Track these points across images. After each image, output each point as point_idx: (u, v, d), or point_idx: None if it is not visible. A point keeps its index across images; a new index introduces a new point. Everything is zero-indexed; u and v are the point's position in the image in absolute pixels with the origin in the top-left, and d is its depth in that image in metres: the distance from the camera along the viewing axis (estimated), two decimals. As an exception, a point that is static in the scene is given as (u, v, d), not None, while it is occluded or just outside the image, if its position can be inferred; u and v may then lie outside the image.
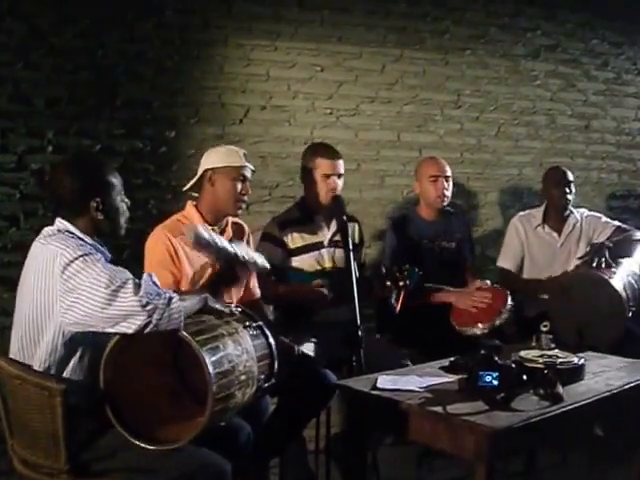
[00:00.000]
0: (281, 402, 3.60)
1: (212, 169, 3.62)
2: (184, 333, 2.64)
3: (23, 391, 2.77)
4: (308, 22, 5.10)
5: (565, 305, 4.38)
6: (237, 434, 3.05)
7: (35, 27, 4.35)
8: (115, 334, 2.65)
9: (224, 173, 3.61)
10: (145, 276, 2.70)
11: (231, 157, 3.64)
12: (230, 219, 3.76)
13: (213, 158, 3.66)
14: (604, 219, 5.16)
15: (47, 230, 2.83)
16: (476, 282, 4.60)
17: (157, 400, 2.84)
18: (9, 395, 2.87)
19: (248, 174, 3.67)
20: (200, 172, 3.66)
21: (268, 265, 3.37)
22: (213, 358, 2.63)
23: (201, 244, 3.11)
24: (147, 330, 2.60)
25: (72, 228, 2.82)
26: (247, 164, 3.67)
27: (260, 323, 3.03)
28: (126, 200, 2.96)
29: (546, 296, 4.70)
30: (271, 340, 3.01)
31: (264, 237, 4.20)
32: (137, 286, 2.62)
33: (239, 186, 3.63)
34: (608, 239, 4.88)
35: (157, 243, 3.50)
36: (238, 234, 3.77)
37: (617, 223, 5.11)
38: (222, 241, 3.20)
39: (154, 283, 2.68)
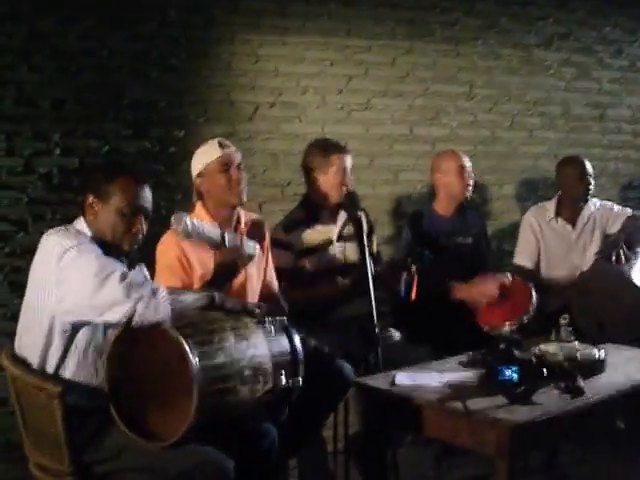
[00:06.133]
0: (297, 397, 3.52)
1: (197, 175, 3.57)
2: (166, 325, 2.62)
3: (26, 392, 2.80)
4: (315, 16, 5.05)
5: (586, 303, 4.36)
6: (261, 439, 3.00)
7: (37, 29, 4.30)
8: (115, 329, 2.67)
9: (208, 172, 3.53)
10: (136, 267, 2.73)
11: (206, 153, 3.57)
12: (243, 216, 3.68)
13: (194, 164, 3.61)
14: (616, 208, 5.11)
15: (56, 227, 2.84)
16: (497, 276, 4.54)
17: (167, 392, 2.74)
18: (21, 397, 2.87)
19: (233, 159, 3.55)
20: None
21: (256, 253, 3.39)
22: (201, 349, 2.60)
23: (189, 234, 3.11)
24: (134, 321, 2.60)
25: (84, 227, 2.83)
26: (226, 150, 3.54)
27: (283, 320, 2.94)
28: (139, 226, 2.87)
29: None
30: (296, 339, 2.92)
31: (271, 244, 4.06)
32: (123, 275, 2.63)
33: (227, 175, 3.52)
34: (621, 229, 4.83)
35: (168, 249, 3.43)
36: (256, 230, 3.71)
37: (629, 210, 5.07)
38: (209, 229, 3.22)
39: (143, 276, 2.68)
